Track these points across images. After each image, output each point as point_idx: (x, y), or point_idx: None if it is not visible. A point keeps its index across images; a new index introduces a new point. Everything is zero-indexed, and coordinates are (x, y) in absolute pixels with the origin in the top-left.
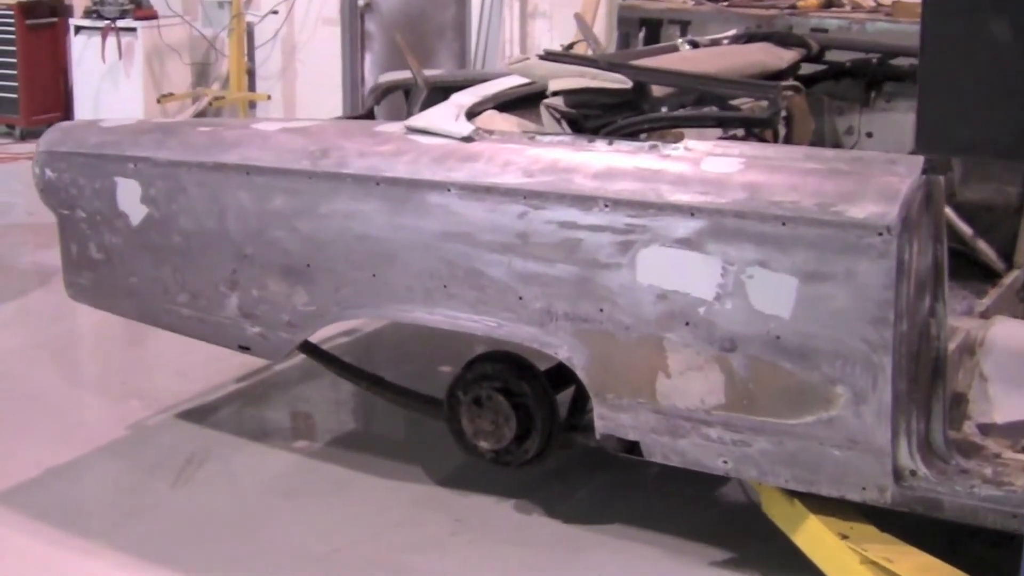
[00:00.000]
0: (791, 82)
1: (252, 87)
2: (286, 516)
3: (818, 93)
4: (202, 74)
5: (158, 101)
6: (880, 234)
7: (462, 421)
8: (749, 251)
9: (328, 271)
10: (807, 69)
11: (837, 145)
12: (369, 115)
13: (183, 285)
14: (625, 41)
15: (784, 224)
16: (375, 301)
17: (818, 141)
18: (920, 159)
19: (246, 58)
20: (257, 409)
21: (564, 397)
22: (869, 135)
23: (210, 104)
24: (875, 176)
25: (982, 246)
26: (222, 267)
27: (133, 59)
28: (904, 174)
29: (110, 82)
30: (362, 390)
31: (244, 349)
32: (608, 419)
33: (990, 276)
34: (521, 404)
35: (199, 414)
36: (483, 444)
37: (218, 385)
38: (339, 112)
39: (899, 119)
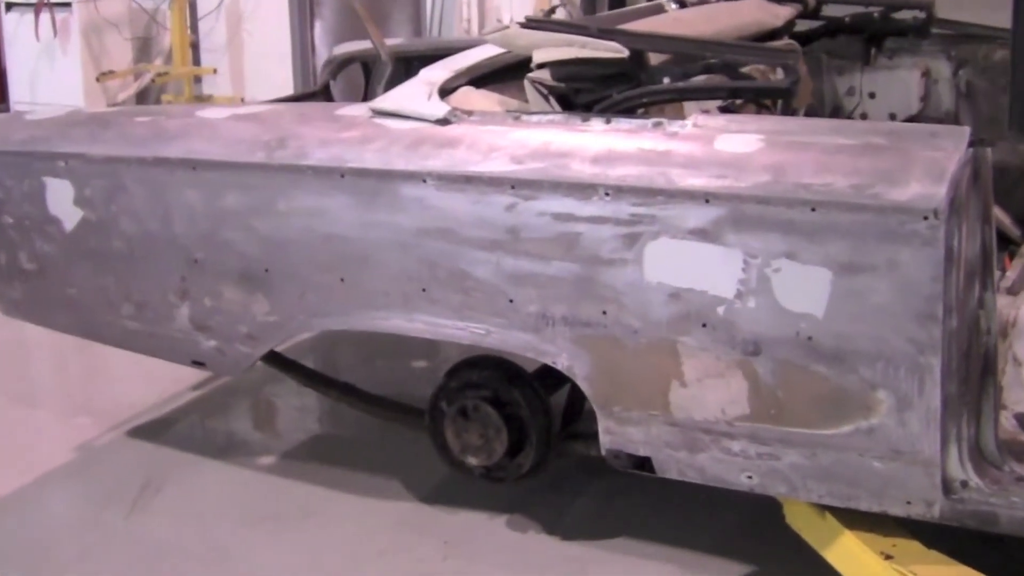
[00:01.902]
0: (788, 41)
1: (197, 61)
2: (255, 547)
3: (816, 52)
4: (143, 49)
5: (97, 79)
6: (926, 218)
7: (447, 435)
8: (774, 241)
9: (290, 276)
10: (803, 26)
11: (837, 108)
12: (325, 91)
13: (127, 296)
14: (591, 3)
15: (814, 210)
16: (345, 308)
17: (817, 104)
18: (965, 130)
19: (189, 31)
20: (218, 421)
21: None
22: (872, 96)
23: (153, 81)
24: (916, 151)
25: (996, 212)
26: (170, 275)
27: (69, 36)
28: (949, 148)
29: (46, 61)
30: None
31: (199, 365)
32: (615, 434)
33: (1005, 243)
34: (512, 414)
35: (154, 430)
36: (472, 460)
37: (174, 395)
38: (291, 86)
39: (903, 77)
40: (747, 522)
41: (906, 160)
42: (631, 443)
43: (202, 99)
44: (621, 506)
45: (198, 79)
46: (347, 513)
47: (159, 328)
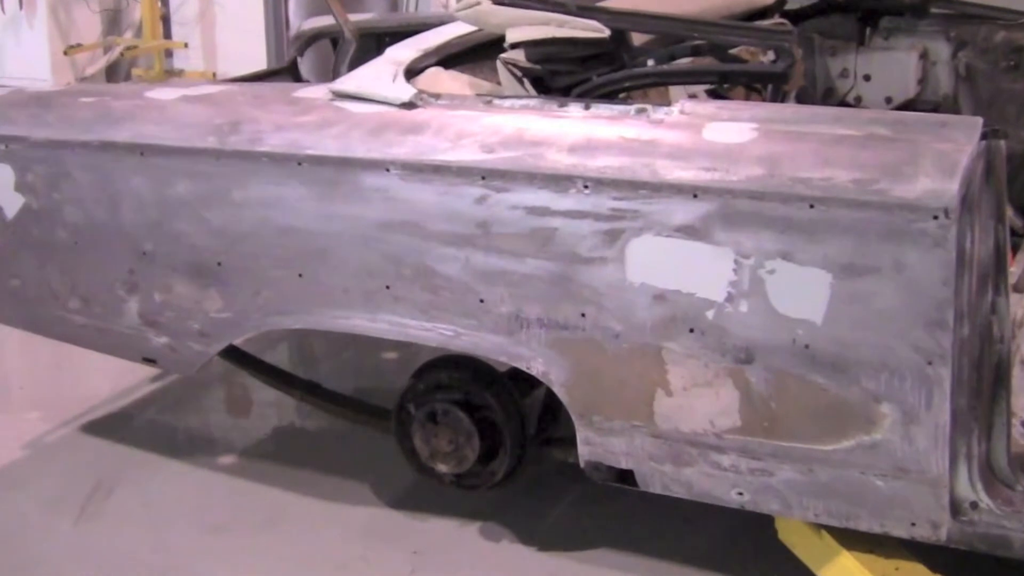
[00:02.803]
0: (779, 20)
1: (168, 34)
2: (210, 559)
3: (807, 31)
4: (113, 22)
5: (65, 53)
6: (935, 217)
7: (414, 440)
8: (769, 240)
9: (244, 271)
10: (794, 4)
11: (830, 91)
12: (292, 69)
13: (73, 289)
14: None
15: (813, 206)
16: (304, 306)
17: (809, 87)
18: (977, 120)
19: (160, 3)
20: (175, 416)
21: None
22: (867, 78)
23: (122, 54)
24: (925, 143)
25: None
26: (118, 267)
27: (36, 8)
28: (961, 140)
29: (12, 35)
30: None
31: (150, 362)
32: (595, 445)
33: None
34: (485, 419)
35: (107, 426)
36: (441, 467)
37: (131, 387)
38: (264, 61)
39: (900, 59)
40: (733, 531)
41: (914, 153)
42: (612, 455)
43: (173, 73)
44: (601, 513)
45: (169, 53)
46: (311, 520)
47: (107, 323)
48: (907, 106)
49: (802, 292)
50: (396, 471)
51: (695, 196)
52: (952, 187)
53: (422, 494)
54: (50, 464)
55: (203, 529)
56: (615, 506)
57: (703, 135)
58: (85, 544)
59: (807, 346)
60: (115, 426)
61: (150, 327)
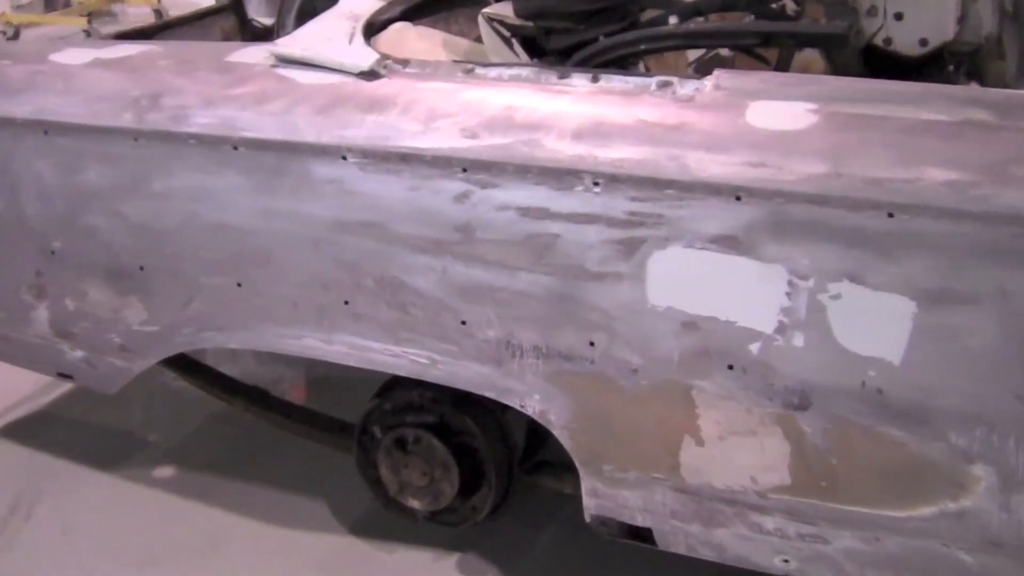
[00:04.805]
0: None
1: None
2: None
3: None
4: None
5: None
6: None
7: (380, 470)
8: (833, 257)
9: (171, 277)
10: None
11: (856, 33)
12: (237, 5)
13: None
14: None
15: (892, 215)
16: (244, 322)
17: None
18: None
19: None
20: (105, 415)
21: None
22: (898, 16)
23: None
24: None
25: None
26: (22, 268)
27: None
28: None
29: None
30: None
31: (66, 377)
32: (604, 497)
33: None
34: (464, 446)
35: (27, 430)
36: (413, 503)
37: (51, 384)
38: None
39: None
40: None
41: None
42: (625, 509)
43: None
44: (591, 543)
45: None
46: (260, 548)
47: (14, 332)
48: (943, 49)
49: (875, 324)
50: (360, 490)
51: (737, 198)
52: None
53: (390, 518)
54: None
55: (134, 560)
56: None
57: (747, 118)
58: None
59: (880, 391)
60: (37, 428)
61: (63, 339)
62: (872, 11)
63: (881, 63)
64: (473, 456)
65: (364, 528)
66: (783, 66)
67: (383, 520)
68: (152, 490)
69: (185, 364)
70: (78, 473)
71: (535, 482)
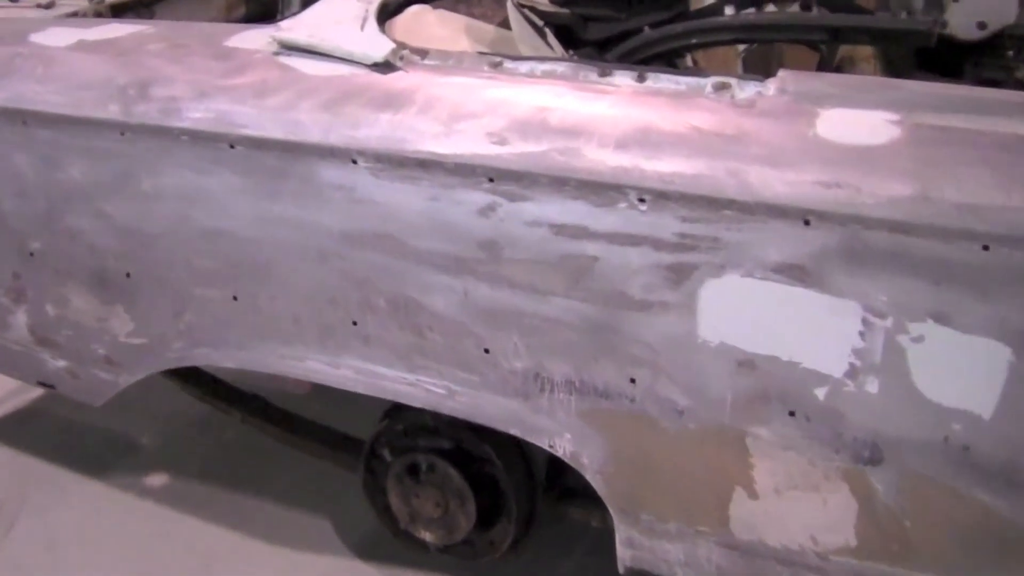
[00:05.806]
0: None
1: None
2: None
3: None
4: None
5: None
6: None
7: (390, 498)
8: (916, 293)
9: (161, 286)
10: None
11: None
12: None
13: None
14: None
15: (987, 248)
16: (240, 339)
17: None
18: None
19: None
20: (92, 417)
21: None
22: None
23: None
24: None
25: None
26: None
27: None
28: None
29: None
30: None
31: (47, 386)
32: (640, 549)
33: None
34: (482, 474)
35: (9, 434)
36: (426, 535)
37: None
38: None
39: None
40: None
41: None
42: (664, 563)
43: None
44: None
45: None
46: (255, 568)
47: None
48: (1004, 33)
49: (963, 371)
50: (366, 506)
51: (806, 223)
52: None
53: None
54: None
55: None
56: None
57: (817, 129)
58: None
59: (966, 447)
60: (20, 430)
61: (44, 346)
62: None
63: (930, 48)
64: (492, 484)
65: (364, 545)
66: (829, 58)
67: (389, 540)
68: (143, 501)
69: (179, 373)
70: (64, 479)
71: (560, 513)
